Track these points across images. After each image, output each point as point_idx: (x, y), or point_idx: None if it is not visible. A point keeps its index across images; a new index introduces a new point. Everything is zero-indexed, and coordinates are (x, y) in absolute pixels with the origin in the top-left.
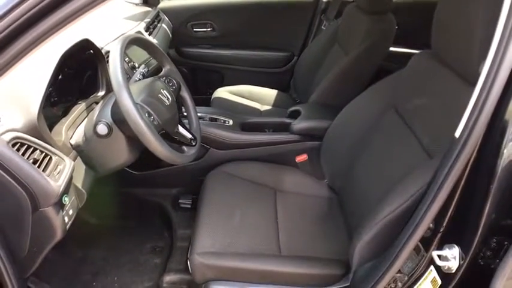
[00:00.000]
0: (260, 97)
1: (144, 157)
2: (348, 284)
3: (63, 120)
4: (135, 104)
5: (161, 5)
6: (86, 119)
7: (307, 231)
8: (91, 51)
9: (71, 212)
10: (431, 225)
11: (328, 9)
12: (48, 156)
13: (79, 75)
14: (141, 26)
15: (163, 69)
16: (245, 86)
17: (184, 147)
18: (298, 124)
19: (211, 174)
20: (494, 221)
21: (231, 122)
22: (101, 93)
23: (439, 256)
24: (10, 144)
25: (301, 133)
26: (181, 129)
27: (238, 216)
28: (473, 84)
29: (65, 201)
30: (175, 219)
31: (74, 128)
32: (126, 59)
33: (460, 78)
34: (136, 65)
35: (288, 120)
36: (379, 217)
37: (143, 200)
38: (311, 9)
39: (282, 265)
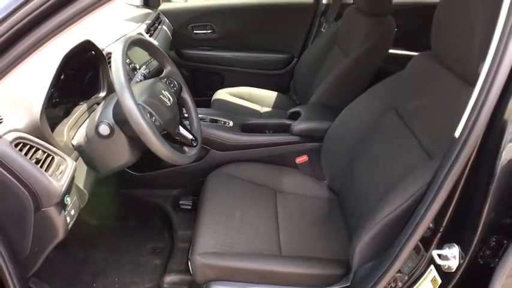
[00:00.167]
0: (260, 99)
1: (145, 158)
2: (348, 284)
3: (65, 120)
4: (137, 104)
5: (162, 7)
6: (88, 119)
7: (307, 232)
8: (92, 52)
9: (72, 212)
10: (431, 225)
11: (328, 11)
12: (51, 157)
13: (81, 76)
14: (142, 28)
15: (165, 71)
16: (245, 88)
17: (186, 148)
18: (298, 125)
19: (212, 175)
20: (494, 220)
21: (231, 123)
22: (102, 94)
23: (439, 255)
24: (13, 144)
25: (301, 134)
26: (182, 130)
27: (239, 216)
28: (473, 84)
29: (67, 201)
30: (175, 220)
31: (76, 129)
32: (128, 60)
33: (460, 79)
34: (138, 66)
35: (288, 122)
36: (379, 217)
37: (144, 201)
38: (311, 12)
39: (282, 265)
